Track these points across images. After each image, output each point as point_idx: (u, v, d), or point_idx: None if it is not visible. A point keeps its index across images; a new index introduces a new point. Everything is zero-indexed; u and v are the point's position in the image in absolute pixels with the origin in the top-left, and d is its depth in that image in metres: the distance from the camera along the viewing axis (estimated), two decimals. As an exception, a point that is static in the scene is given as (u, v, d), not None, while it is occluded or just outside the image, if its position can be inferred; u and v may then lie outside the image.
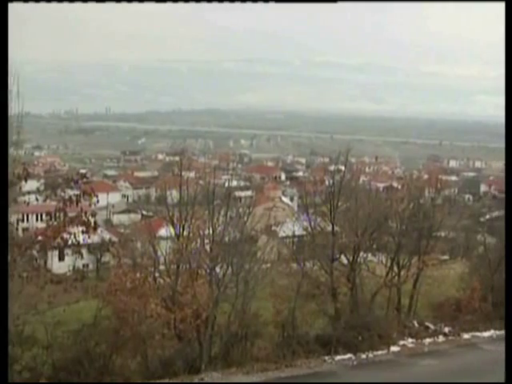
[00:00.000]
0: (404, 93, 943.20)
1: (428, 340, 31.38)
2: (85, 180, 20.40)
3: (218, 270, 26.63)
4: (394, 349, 29.39)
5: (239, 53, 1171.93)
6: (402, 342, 30.39)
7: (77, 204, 18.29)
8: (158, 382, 24.25)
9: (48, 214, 19.03)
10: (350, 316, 31.18)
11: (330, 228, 33.46)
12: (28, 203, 19.45)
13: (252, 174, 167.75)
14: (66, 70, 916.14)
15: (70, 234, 18.59)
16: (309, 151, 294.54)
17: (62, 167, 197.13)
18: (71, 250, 19.71)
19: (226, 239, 27.38)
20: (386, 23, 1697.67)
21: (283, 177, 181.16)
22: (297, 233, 39.98)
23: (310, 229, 34.74)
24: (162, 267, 27.32)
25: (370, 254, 36.05)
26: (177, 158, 31.93)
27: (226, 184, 30.17)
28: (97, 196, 19.16)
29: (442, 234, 41.99)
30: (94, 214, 18.91)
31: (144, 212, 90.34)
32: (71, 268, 54.44)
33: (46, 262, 27.71)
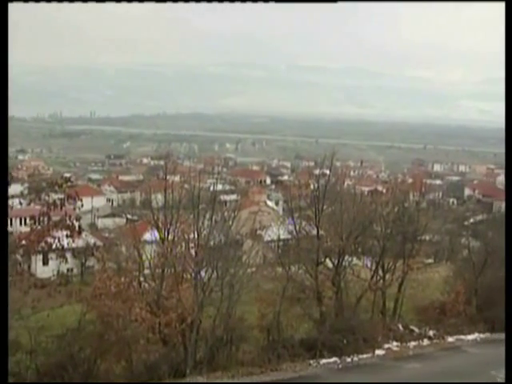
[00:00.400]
0: (388, 97, 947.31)
1: (413, 343, 31.47)
2: (69, 184, 20.28)
3: (203, 274, 26.55)
4: (378, 352, 29.42)
5: (224, 57, 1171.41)
6: (386, 346, 30.45)
7: (61, 208, 18.21)
8: (157, 382, 24.22)
9: (32, 217, 18.92)
10: (335, 320, 31.21)
11: (315, 232, 33.51)
12: (12, 207, 19.33)
13: (237, 177, 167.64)
14: (50, 73, 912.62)
15: (54, 238, 18.50)
16: (294, 155, 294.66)
17: (46, 171, 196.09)
18: (55, 255, 19.63)
19: (211, 243, 27.32)
20: (371, 28, 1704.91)
21: (268, 181, 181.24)
22: (282, 237, 39.95)
23: (295, 233, 34.77)
24: (146, 271, 27.22)
25: (354, 258, 36.12)
26: (162, 162, 31.88)
27: (211, 188, 30.08)
28: (81, 200, 19.08)
29: (427, 238, 42.18)
30: (78, 218, 18.85)
31: (129, 216, 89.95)
32: (55, 272, 54.24)
33: (29, 267, 27.64)
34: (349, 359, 27.91)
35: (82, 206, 19.74)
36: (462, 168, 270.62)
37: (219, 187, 32.39)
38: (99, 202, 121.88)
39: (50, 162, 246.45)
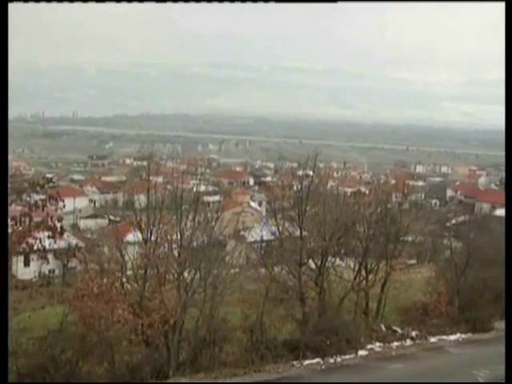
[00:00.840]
0: (371, 99, 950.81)
1: (395, 344, 31.59)
2: (51, 184, 20.14)
3: (185, 274, 26.49)
4: (361, 353, 29.52)
5: (208, 57, 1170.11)
6: (369, 346, 30.55)
7: (43, 209, 18.09)
8: (157, 382, 24.22)
9: (13, 218, 18.75)
10: (318, 320, 31.25)
11: (298, 233, 33.52)
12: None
13: (220, 178, 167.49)
14: (32, 72, 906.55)
15: (35, 239, 18.38)
16: (277, 156, 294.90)
17: (27, 171, 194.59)
18: (37, 256, 19.47)
19: (194, 244, 27.26)
20: (354, 29, 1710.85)
21: (251, 182, 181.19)
22: (265, 237, 39.96)
23: (278, 233, 34.76)
24: (129, 272, 27.10)
25: (337, 259, 36.18)
26: (145, 163, 31.76)
27: (194, 189, 30.05)
28: (63, 201, 18.96)
29: (409, 239, 42.32)
30: (60, 219, 18.75)
31: (111, 217, 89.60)
32: (37, 274, 53.89)
33: (10, 268, 27.35)
34: (332, 360, 27.98)
35: (64, 206, 19.65)
36: (444, 169, 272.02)
37: (202, 188, 32.39)
38: (81, 202, 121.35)
39: (32, 162, 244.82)
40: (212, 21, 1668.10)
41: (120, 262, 26.84)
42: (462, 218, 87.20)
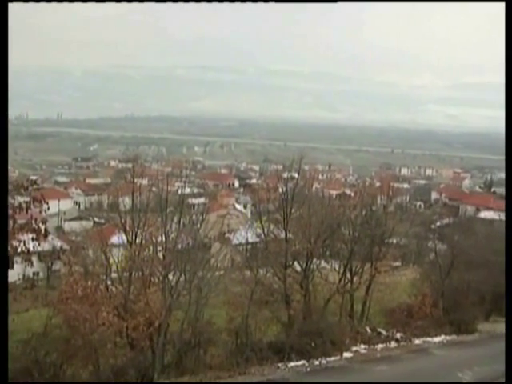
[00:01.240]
0: (357, 101, 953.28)
1: (380, 346, 31.66)
2: (35, 187, 19.98)
3: (170, 277, 26.44)
4: (346, 355, 29.54)
5: (192, 60, 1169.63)
6: (354, 348, 30.60)
7: (27, 211, 17.95)
8: (157, 382, 24.16)
9: (-4, 221, 18.60)
10: (303, 323, 31.27)
11: (283, 235, 33.55)
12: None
13: (205, 181, 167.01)
14: (16, 74, 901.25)
15: (19, 241, 18.22)
16: (262, 158, 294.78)
17: (11, 173, 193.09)
18: (21, 258, 19.29)
19: (179, 246, 27.22)
20: (339, 32, 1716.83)
21: (237, 184, 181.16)
22: (250, 240, 39.98)
23: (263, 236, 34.78)
24: (114, 275, 27.02)
25: (322, 261, 36.25)
26: (129, 165, 31.65)
27: (179, 191, 29.98)
28: (47, 203, 18.82)
29: (394, 241, 42.53)
30: (44, 221, 18.61)
31: (96, 219, 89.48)
32: (21, 276, 53.46)
33: (-6, 271, 27.10)
34: (317, 362, 27.98)
35: (49, 208, 19.50)
36: (428, 172, 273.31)
37: (187, 190, 32.26)
38: (66, 204, 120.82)
39: (16, 164, 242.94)
40: (197, 23, 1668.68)
41: (105, 265, 26.76)
42: (446, 221, 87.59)
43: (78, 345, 24.21)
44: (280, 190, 35.20)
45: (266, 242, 34.55)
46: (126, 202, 28.67)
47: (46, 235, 18.77)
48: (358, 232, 36.31)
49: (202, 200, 65.60)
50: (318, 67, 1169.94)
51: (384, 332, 33.80)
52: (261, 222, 35.21)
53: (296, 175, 35.07)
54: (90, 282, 25.31)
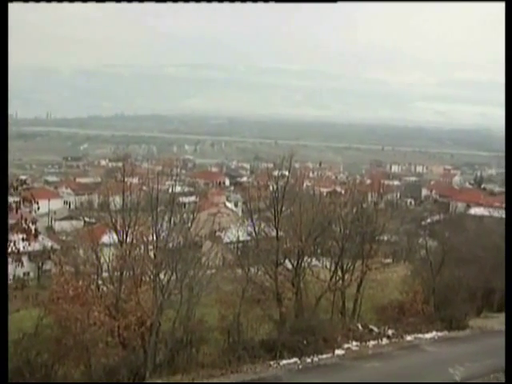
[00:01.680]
0: (347, 99, 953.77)
1: (372, 343, 31.69)
2: (25, 186, 19.88)
3: (162, 276, 26.40)
4: (338, 352, 29.56)
5: (182, 58, 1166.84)
6: (346, 346, 30.62)
7: (16, 211, 17.86)
8: (156, 382, 24.07)
9: (-14, 221, 18.51)
10: (295, 320, 31.31)
11: (274, 233, 33.55)
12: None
13: (196, 179, 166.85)
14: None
15: (9, 241, 18.13)
16: (253, 156, 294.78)
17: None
18: (11, 258, 19.19)
19: (170, 245, 27.19)
20: (328, 30, 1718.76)
21: (227, 182, 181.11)
22: (241, 238, 39.98)
23: (254, 234, 34.78)
24: (105, 274, 26.97)
25: (314, 259, 36.29)
26: (120, 164, 31.53)
27: (170, 190, 29.96)
28: (37, 203, 18.74)
29: (385, 238, 42.68)
30: (34, 221, 18.52)
31: (87, 219, 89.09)
32: (11, 276, 53.17)
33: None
34: (309, 360, 27.99)
35: (39, 208, 19.41)
36: (419, 169, 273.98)
37: (178, 189, 32.28)
38: (56, 204, 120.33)
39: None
40: (187, 22, 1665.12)
41: (95, 264, 26.73)
42: (436, 217, 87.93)
43: (70, 345, 24.15)
44: (271, 187, 35.18)
45: (257, 240, 34.55)
46: (116, 201, 28.63)
47: (36, 235, 18.69)
48: (348, 229, 36.36)
49: (192, 198, 65.68)
50: (308, 65, 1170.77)
51: (375, 329, 33.84)
52: (252, 220, 35.19)
53: (287, 173, 35.05)
54: (81, 282, 25.26)
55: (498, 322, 38.29)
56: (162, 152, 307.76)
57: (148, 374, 24.77)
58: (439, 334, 34.35)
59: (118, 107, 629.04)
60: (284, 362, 27.37)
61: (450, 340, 33.43)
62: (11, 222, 18.16)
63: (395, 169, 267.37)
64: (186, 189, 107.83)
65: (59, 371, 24.32)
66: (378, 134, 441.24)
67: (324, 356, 28.69)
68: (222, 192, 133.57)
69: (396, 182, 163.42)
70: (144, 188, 28.85)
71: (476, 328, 36.55)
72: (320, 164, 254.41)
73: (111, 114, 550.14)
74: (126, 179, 28.17)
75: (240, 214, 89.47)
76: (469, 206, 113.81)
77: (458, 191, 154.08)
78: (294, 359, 27.74)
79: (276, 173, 36.26)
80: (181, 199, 39.79)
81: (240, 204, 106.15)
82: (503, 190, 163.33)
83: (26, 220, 18.12)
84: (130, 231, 26.70)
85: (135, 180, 30.68)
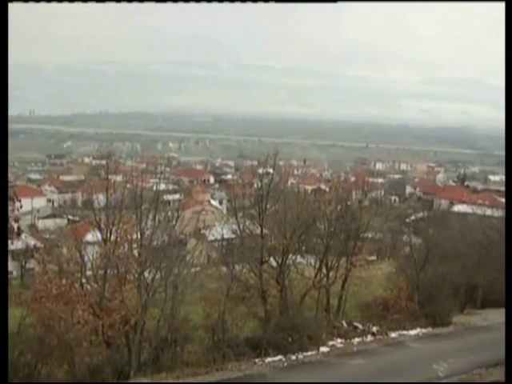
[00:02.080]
0: (331, 96, 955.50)
1: (357, 340, 31.78)
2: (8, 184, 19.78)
3: (146, 274, 26.31)
4: (323, 349, 29.63)
5: (167, 55, 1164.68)
6: (331, 343, 30.69)
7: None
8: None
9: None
10: (280, 318, 31.31)
11: (258, 231, 33.54)
12: None
13: (180, 177, 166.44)
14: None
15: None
16: (237, 154, 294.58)
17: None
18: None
19: (155, 243, 27.10)
20: (313, 28, 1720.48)
21: (212, 180, 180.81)
22: (226, 236, 39.93)
23: (239, 232, 34.75)
24: (89, 273, 26.84)
25: (298, 256, 36.30)
26: (104, 162, 31.35)
27: (154, 187, 29.84)
28: (20, 201, 18.64)
29: (369, 235, 42.74)
30: (17, 220, 18.47)
31: (70, 217, 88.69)
32: (-6, 275, 52.85)
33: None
34: (294, 357, 28.04)
35: (21, 206, 19.38)
36: (403, 166, 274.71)
37: (162, 187, 32.15)
38: (39, 202, 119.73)
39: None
40: (172, 19, 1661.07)
41: (79, 263, 26.59)
42: (420, 215, 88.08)
43: (53, 344, 24.01)
44: (255, 185, 35.15)
45: (241, 238, 34.52)
46: (100, 199, 28.46)
47: (19, 233, 18.67)
48: (333, 227, 36.42)
49: (177, 196, 65.58)
50: (293, 63, 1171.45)
51: (360, 326, 33.93)
52: (236, 218, 35.16)
53: (271, 171, 35.04)
54: (64, 281, 25.12)
55: (480, 318, 38.57)
56: (146, 150, 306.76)
57: (132, 373, 24.68)
58: (423, 330, 34.49)
59: (102, 105, 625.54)
60: (269, 359, 27.39)
61: (433, 336, 33.58)
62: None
63: (379, 166, 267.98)
64: (171, 186, 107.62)
65: (42, 371, 24.16)
66: (363, 132, 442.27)
67: (309, 353, 28.74)
68: (206, 190, 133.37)
69: (380, 180, 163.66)
70: (128, 186, 28.73)
71: (459, 324, 36.74)
72: (304, 161, 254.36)
73: (95, 112, 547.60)
74: (109, 177, 28.05)
75: (225, 211, 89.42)
76: (452, 204, 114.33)
77: (442, 189, 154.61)
78: (279, 356, 27.78)
79: (260, 170, 36.25)
80: (165, 197, 39.59)
81: (225, 202, 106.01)
82: (486, 187, 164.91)
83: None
84: (114, 229, 26.58)
85: (119, 178, 30.56)
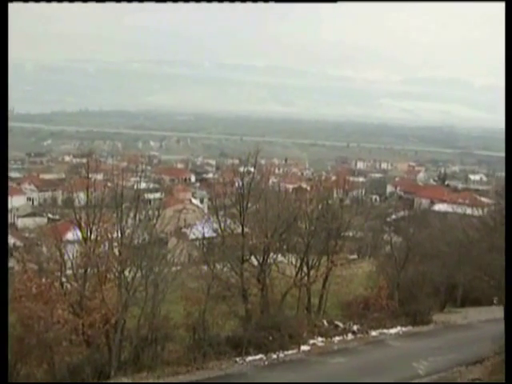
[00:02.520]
0: (312, 96, 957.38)
1: (337, 338, 31.92)
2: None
3: (126, 273, 26.20)
4: (304, 348, 29.72)
5: (148, 54, 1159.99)
6: (312, 341, 30.78)
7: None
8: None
9: None
10: (261, 317, 31.34)
11: (240, 229, 33.52)
12: None
13: (161, 175, 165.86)
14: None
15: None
16: (219, 153, 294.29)
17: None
18: (-29, 256, 18.86)
19: (135, 242, 26.99)
20: (293, 27, 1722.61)
21: (193, 178, 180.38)
22: (207, 235, 39.86)
23: (220, 230, 34.70)
24: (69, 272, 26.67)
25: (279, 255, 36.32)
26: (84, 160, 31.16)
27: (135, 186, 29.71)
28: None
29: (350, 234, 42.90)
30: (-5, 218, 18.20)
31: (50, 215, 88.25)
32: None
33: None
34: (274, 356, 28.10)
35: (1, 205, 19.05)
36: (384, 165, 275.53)
37: (143, 185, 32.02)
38: (19, 201, 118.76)
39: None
40: (153, 18, 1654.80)
41: (59, 262, 26.41)
42: (401, 214, 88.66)
43: (33, 343, 23.83)
44: (236, 184, 35.10)
45: (222, 237, 34.47)
46: (80, 197, 28.30)
47: (-3, 232, 18.38)
48: (314, 226, 36.47)
49: (158, 195, 65.31)
50: (274, 62, 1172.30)
51: (341, 324, 34.05)
52: (217, 217, 35.11)
53: (252, 169, 35.02)
54: (44, 280, 24.98)
55: (460, 316, 38.87)
56: (127, 148, 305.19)
57: (113, 372, 24.58)
58: (403, 328, 34.70)
59: (83, 103, 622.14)
60: (250, 358, 27.43)
61: (414, 335, 33.80)
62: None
63: (360, 165, 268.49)
64: (152, 185, 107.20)
65: (22, 371, 23.97)
66: (344, 131, 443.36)
67: (290, 352, 28.82)
68: (187, 188, 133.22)
69: (361, 179, 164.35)
70: (109, 184, 28.59)
71: (439, 323, 36.99)
72: (286, 160, 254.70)
73: (75, 110, 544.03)
74: (90, 175, 27.91)
75: (206, 210, 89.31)
76: (433, 203, 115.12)
77: (423, 188, 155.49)
78: (260, 355, 27.82)
79: (242, 169, 36.22)
80: (146, 196, 39.44)
81: (206, 200, 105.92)
82: (466, 186, 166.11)
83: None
84: (94, 228, 26.43)
85: (100, 176, 30.43)
